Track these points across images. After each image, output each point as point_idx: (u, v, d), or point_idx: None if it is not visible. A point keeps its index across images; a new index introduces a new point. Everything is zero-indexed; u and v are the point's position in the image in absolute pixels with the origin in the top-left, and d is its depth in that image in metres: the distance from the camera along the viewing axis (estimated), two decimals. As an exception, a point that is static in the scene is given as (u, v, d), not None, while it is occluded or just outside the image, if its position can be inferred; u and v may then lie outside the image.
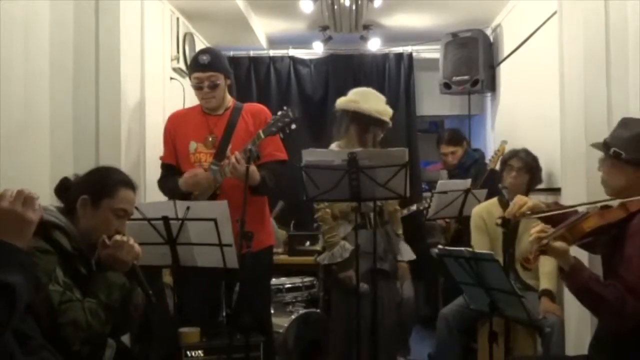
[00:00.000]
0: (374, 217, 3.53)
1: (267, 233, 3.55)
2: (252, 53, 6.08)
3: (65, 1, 3.33)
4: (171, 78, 4.56)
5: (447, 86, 5.62)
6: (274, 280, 4.21)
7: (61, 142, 3.29)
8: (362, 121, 3.64)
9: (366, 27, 5.57)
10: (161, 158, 3.59)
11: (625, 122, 2.43)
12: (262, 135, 3.20)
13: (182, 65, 4.67)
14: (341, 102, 3.74)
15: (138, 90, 3.82)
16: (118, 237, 2.28)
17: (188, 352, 3.09)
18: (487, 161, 4.65)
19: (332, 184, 3.16)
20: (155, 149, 3.76)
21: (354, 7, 5.00)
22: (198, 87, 3.43)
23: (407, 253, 3.84)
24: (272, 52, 6.14)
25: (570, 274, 2.27)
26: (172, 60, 4.59)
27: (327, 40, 5.74)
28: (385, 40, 5.95)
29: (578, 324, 3.19)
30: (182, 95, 4.60)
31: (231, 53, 5.87)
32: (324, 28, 5.57)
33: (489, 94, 5.87)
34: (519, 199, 2.56)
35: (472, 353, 3.87)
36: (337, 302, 3.83)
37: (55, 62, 3.26)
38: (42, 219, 1.80)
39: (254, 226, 2.92)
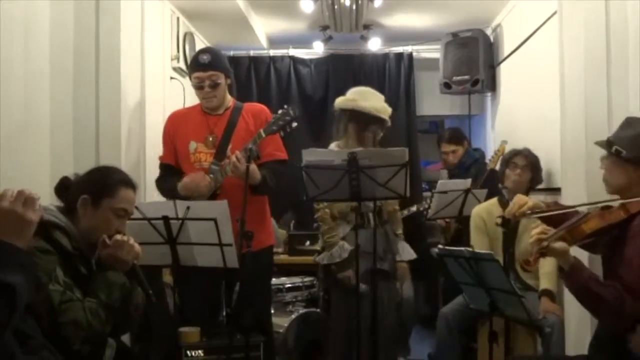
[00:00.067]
0: (374, 217, 3.53)
1: (267, 233, 3.55)
2: (252, 53, 6.08)
3: (65, 1, 3.33)
4: (171, 78, 4.56)
5: (447, 86, 5.62)
6: (274, 280, 4.20)
7: (61, 142, 3.29)
8: (360, 120, 3.63)
9: (366, 26, 5.57)
10: (160, 158, 3.59)
11: (630, 122, 2.44)
12: (263, 134, 3.19)
13: (182, 65, 4.67)
14: (339, 101, 3.74)
15: (138, 90, 3.82)
16: (118, 236, 2.28)
17: (188, 352, 3.10)
18: (487, 161, 4.65)
19: (332, 183, 3.16)
20: (155, 148, 3.76)
21: (354, 7, 5.00)
22: (199, 87, 3.43)
23: (407, 253, 3.84)
24: (272, 52, 6.14)
25: (570, 273, 2.28)
26: (172, 59, 4.59)
27: (327, 40, 5.74)
28: (386, 40, 5.95)
29: (578, 324, 3.19)
30: (182, 94, 4.60)
31: (231, 53, 5.86)
32: (324, 28, 5.57)
33: (489, 94, 5.86)
34: (519, 198, 2.56)
35: (472, 353, 3.87)
36: (336, 302, 3.82)
37: (55, 62, 3.26)
38: (42, 219, 1.80)
39: (254, 226, 2.92)
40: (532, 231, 2.37)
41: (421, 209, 4.68)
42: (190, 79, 3.49)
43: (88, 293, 2.19)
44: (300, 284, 4.47)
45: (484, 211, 3.85)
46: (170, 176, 3.50)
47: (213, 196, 3.29)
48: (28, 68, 3.01)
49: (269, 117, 3.41)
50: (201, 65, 3.40)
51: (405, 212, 4.69)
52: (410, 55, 6.11)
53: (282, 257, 4.91)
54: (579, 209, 2.50)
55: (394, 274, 3.78)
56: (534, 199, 2.58)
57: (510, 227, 3.08)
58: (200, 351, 3.11)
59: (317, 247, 4.23)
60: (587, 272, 2.29)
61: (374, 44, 5.89)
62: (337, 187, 3.17)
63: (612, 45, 3.06)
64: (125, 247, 2.27)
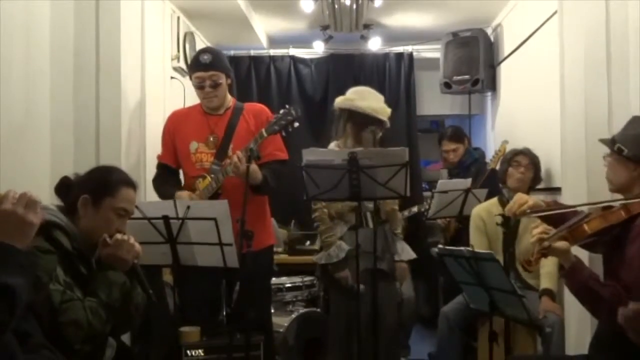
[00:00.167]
0: (373, 216, 3.53)
1: (267, 232, 3.55)
2: (252, 52, 6.08)
3: (65, 1, 3.33)
4: (171, 77, 4.56)
5: (447, 86, 5.62)
6: (274, 280, 4.21)
7: (61, 142, 3.29)
8: (358, 120, 3.62)
9: (367, 26, 5.57)
10: (158, 157, 3.59)
11: (635, 121, 2.45)
12: (265, 134, 3.19)
13: (182, 65, 4.67)
14: (338, 100, 3.73)
15: (138, 90, 3.82)
16: (119, 235, 2.28)
17: (188, 351, 3.10)
18: (487, 161, 4.65)
19: (332, 183, 3.16)
20: (155, 148, 3.76)
21: (354, 7, 5.00)
22: (199, 87, 3.43)
23: (406, 252, 3.83)
24: (273, 52, 6.14)
25: (570, 272, 2.28)
26: (172, 59, 4.59)
27: (327, 39, 5.74)
28: (386, 39, 5.95)
29: (578, 324, 3.19)
30: (183, 94, 4.60)
31: (231, 52, 5.87)
32: (325, 27, 5.57)
33: (489, 94, 5.87)
34: (519, 197, 2.57)
35: (473, 352, 3.87)
36: (334, 302, 3.83)
37: (55, 61, 3.26)
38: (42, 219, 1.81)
39: (254, 225, 2.92)
40: (533, 231, 2.38)
41: (422, 210, 4.68)
42: (191, 78, 3.49)
43: (88, 292, 2.19)
44: (301, 284, 4.47)
45: (484, 211, 3.85)
46: (167, 176, 3.50)
47: (214, 196, 3.29)
48: (28, 68, 3.01)
49: (269, 117, 3.41)
50: (202, 65, 3.40)
51: (406, 213, 4.70)
52: (410, 54, 6.11)
53: (282, 257, 4.91)
54: (579, 208, 2.50)
55: (393, 274, 3.78)
56: (534, 198, 2.58)
57: (510, 226, 3.08)
58: (200, 351, 3.11)
59: (317, 247, 4.23)
60: (587, 271, 2.29)
61: (374, 44, 5.89)
62: (338, 187, 3.17)
63: (612, 45, 3.06)
64: (125, 246, 2.28)
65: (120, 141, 3.51)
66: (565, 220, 2.39)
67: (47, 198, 2.45)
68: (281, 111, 3.22)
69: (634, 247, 2.25)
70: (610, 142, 2.43)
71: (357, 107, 3.61)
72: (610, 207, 2.39)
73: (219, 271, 2.92)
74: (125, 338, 2.81)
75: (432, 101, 6.28)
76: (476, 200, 4.11)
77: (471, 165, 4.80)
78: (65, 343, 2.06)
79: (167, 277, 3.62)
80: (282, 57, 6.14)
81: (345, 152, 3.19)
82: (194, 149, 3.44)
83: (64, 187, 2.36)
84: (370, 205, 3.61)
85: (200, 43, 5.22)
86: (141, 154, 3.82)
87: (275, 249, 4.02)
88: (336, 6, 5.01)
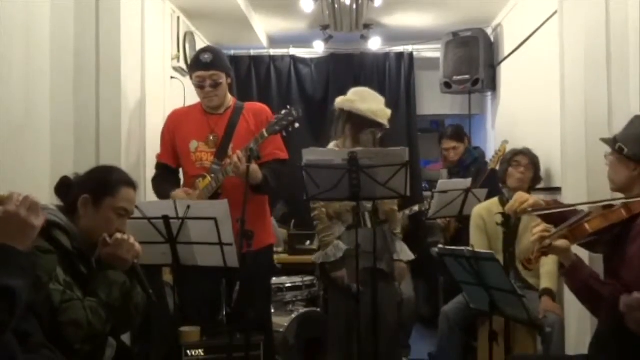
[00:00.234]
0: (371, 217, 3.53)
1: (267, 232, 3.55)
2: (252, 52, 6.08)
3: (65, 1, 3.33)
4: (172, 77, 4.56)
5: (447, 85, 5.62)
6: (274, 280, 4.21)
7: (62, 142, 3.29)
8: (357, 122, 3.62)
9: (367, 26, 5.57)
10: (157, 157, 3.59)
11: (637, 120, 2.45)
12: (266, 134, 3.19)
13: (182, 64, 4.67)
14: (339, 101, 3.73)
15: (138, 90, 3.82)
16: (119, 235, 2.28)
17: (188, 351, 3.09)
18: (487, 160, 4.65)
19: (332, 183, 3.16)
20: (155, 148, 3.76)
21: (354, 6, 5.00)
22: (200, 86, 3.43)
23: (404, 253, 3.83)
24: (273, 51, 6.14)
25: (570, 271, 2.29)
26: (172, 59, 4.59)
27: (327, 39, 5.74)
28: (386, 39, 5.95)
29: (578, 323, 3.19)
30: (183, 94, 4.60)
31: (232, 52, 5.87)
32: (325, 27, 5.57)
33: (489, 94, 5.87)
34: (520, 195, 2.57)
35: (473, 352, 3.87)
36: (332, 302, 3.83)
37: (55, 61, 3.26)
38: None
39: (254, 225, 2.92)
40: (534, 229, 2.38)
41: (423, 209, 4.69)
42: (192, 78, 3.49)
43: (88, 292, 2.19)
44: (301, 284, 4.47)
45: (485, 210, 3.85)
46: (166, 176, 3.50)
47: (214, 196, 3.29)
48: (28, 68, 3.01)
49: (269, 116, 3.41)
50: (203, 65, 3.40)
51: (407, 212, 4.70)
52: (410, 54, 6.11)
53: (282, 257, 4.91)
54: (579, 207, 2.51)
55: (392, 274, 3.78)
56: (534, 197, 2.59)
57: (510, 226, 3.08)
58: (200, 350, 3.11)
59: (316, 246, 4.23)
60: (588, 270, 2.30)
61: (375, 44, 5.89)
62: (338, 187, 3.17)
63: (612, 45, 3.07)
64: (125, 245, 2.28)
65: (120, 141, 3.51)
66: (565, 219, 2.39)
67: (47, 198, 2.45)
68: (282, 112, 3.22)
69: (634, 247, 2.25)
70: (612, 142, 2.44)
71: (357, 110, 3.61)
72: (611, 206, 2.39)
73: (219, 271, 2.92)
74: (125, 338, 2.81)
75: (432, 101, 6.28)
76: (476, 200, 4.11)
77: (471, 164, 4.80)
78: (65, 343, 2.06)
79: (167, 277, 3.63)
80: (282, 57, 6.15)
81: (345, 152, 3.19)
82: (194, 148, 3.44)
83: (64, 187, 2.36)
84: (368, 205, 3.62)
85: (200, 43, 5.22)
86: (141, 153, 3.82)
87: (275, 249, 4.02)
88: (336, 6, 5.01)
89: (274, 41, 6.16)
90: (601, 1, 3.08)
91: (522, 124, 4.76)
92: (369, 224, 3.66)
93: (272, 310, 3.91)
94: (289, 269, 4.68)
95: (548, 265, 3.46)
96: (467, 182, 4.21)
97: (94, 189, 2.30)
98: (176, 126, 3.52)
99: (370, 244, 3.44)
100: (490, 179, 4.31)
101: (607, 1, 3.07)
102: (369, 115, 3.58)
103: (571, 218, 2.38)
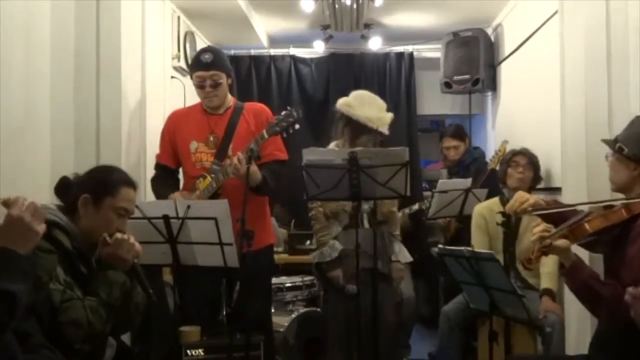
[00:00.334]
0: (369, 217, 3.53)
1: (267, 232, 3.55)
2: (252, 52, 6.08)
3: (66, 1, 3.32)
4: (172, 77, 4.56)
5: (447, 85, 5.62)
6: (274, 280, 4.20)
7: (62, 142, 3.29)
8: (355, 126, 3.62)
9: (367, 26, 5.57)
10: (157, 157, 3.59)
11: (638, 120, 2.45)
12: (266, 135, 3.19)
13: (182, 64, 4.67)
14: (339, 103, 3.73)
15: (139, 89, 3.82)
16: (119, 235, 2.28)
17: (188, 351, 3.09)
18: (487, 160, 4.65)
19: (332, 183, 3.16)
20: (155, 148, 3.76)
21: (354, 6, 5.00)
22: (200, 86, 3.43)
23: (403, 255, 3.83)
24: (273, 51, 6.14)
25: (571, 271, 2.29)
26: (173, 59, 4.59)
27: (328, 39, 5.75)
28: (386, 39, 5.95)
29: (578, 323, 3.19)
30: (183, 94, 4.61)
31: (232, 52, 5.88)
32: (325, 27, 5.58)
33: (489, 94, 5.87)
34: (520, 195, 2.58)
35: (473, 352, 3.87)
36: (330, 302, 3.84)
37: (56, 62, 3.26)
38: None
39: (254, 225, 2.92)
40: (534, 229, 2.38)
41: (423, 207, 4.69)
42: (192, 78, 3.49)
43: (88, 292, 2.19)
44: (301, 283, 4.47)
45: (486, 209, 3.85)
46: (165, 177, 3.50)
47: (214, 196, 3.29)
48: (28, 68, 3.01)
49: (269, 116, 3.41)
50: (203, 65, 3.39)
51: (407, 211, 4.70)
52: (411, 54, 6.11)
53: (282, 257, 4.91)
54: (580, 207, 2.51)
55: (390, 275, 3.77)
56: (534, 197, 2.59)
57: (510, 226, 3.08)
58: (200, 350, 3.10)
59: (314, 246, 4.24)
60: (588, 270, 2.30)
61: (375, 43, 5.88)
62: (338, 187, 3.17)
63: (612, 45, 3.07)
64: (125, 245, 2.28)
65: (121, 141, 3.51)
66: (565, 219, 2.39)
67: (47, 199, 2.45)
68: (282, 113, 3.21)
69: (634, 247, 2.25)
70: (612, 142, 2.44)
71: (354, 116, 3.61)
72: (612, 206, 2.39)
73: (219, 271, 2.92)
74: (125, 338, 2.81)
75: (433, 101, 6.28)
76: (476, 200, 4.11)
77: (471, 164, 4.80)
78: (65, 342, 2.06)
79: (167, 276, 3.63)
80: (283, 57, 6.15)
81: (345, 152, 3.19)
82: (194, 149, 3.43)
83: (64, 187, 2.36)
84: (365, 206, 3.62)
85: (201, 43, 5.22)
86: (141, 153, 3.82)
87: (275, 249, 4.02)
88: (336, 6, 5.01)
89: (274, 41, 6.17)
90: (601, 1, 3.08)
91: (522, 124, 4.76)
92: (366, 225, 3.66)
93: (272, 310, 3.91)
94: (289, 269, 4.68)
95: (548, 265, 3.46)
96: (467, 182, 4.21)
97: (94, 188, 2.30)
98: (176, 127, 3.52)
99: (367, 245, 3.44)
100: (490, 179, 4.31)
101: (607, 1, 3.07)
102: (365, 123, 3.58)
103: (571, 218, 2.38)
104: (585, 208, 2.48)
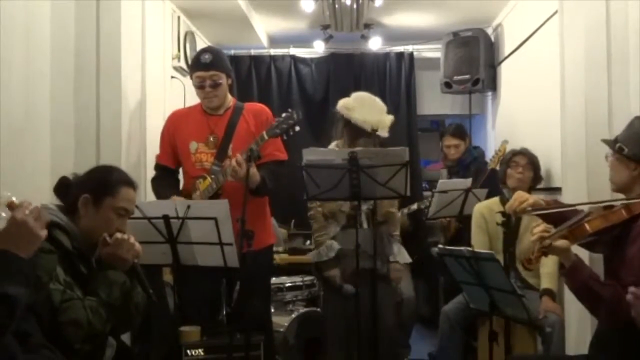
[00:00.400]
0: (368, 217, 3.53)
1: (267, 232, 3.55)
2: (252, 52, 6.08)
3: (66, 1, 3.32)
4: (172, 77, 4.56)
5: (448, 85, 5.62)
6: (274, 280, 4.21)
7: (62, 143, 3.29)
8: (353, 128, 3.63)
9: (367, 26, 5.57)
10: (157, 158, 3.58)
11: (638, 120, 2.45)
12: (266, 137, 3.18)
13: (182, 64, 4.67)
14: (339, 104, 3.73)
15: (139, 90, 3.82)
16: (119, 234, 2.28)
17: (188, 351, 3.09)
18: (487, 160, 4.65)
19: (332, 183, 3.16)
20: (156, 148, 3.76)
21: (355, 6, 5.00)
22: (200, 86, 3.43)
23: (402, 255, 3.83)
24: (273, 51, 6.14)
25: (571, 271, 2.29)
26: (173, 59, 4.59)
27: (328, 39, 5.74)
28: (386, 39, 5.95)
29: (578, 323, 3.19)
30: (183, 94, 4.61)
31: (232, 52, 5.87)
32: (325, 27, 5.58)
33: (489, 94, 5.87)
34: (520, 195, 2.58)
35: (473, 351, 3.87)
36: (329, 302, 3.84)
37: (56, 62, 3.25)
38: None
39: (254, 225, 2.92)
40: (534, 229, 2.38)
41: (422, 207, 4.69)
42: (192, 78, 3.49)
43: (88, 292, 2.19)
44: (301, 283, 4.47)
45: (486, 209, 3.85)
46: (164, 178, 3.50)
47: (214, 197, 3.29)
48: (28, 69, 3.01)
49: (269, 116, 3.41)
50: (203, 65, 3.39)
51: (406, 211, 4.70)
52: (411, 54, 6.11)
53: (282, 257, 4.91)
54: (580, 207, 2.51)
55: (387, 275, 3.77)
56: (534, 196, 2.59)
57: (510, 226, 3.08)
58: (200, 350, 3.11)
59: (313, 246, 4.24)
60: (587, 270, 2.30)
61: (375, 43, 5.88)
62: (338, 187, 3.17)
63: (612, 45, 3.07)
64: (125, 245, 2.28)
65: (121, 141, 3.51)
66: (565, 219, 2.39)
67: (47, 199, 2.45)
68: (283, 114, 3.20)
69: (634, 247, 2.25)
70: (612, 142, 2.44)
71: (352, 118, 3.61)
72: (612, 206, 2.39)
73: (219, 271, 2.92)
74: (125, 338, 2.81)
75: (433, 101, 6.28)
76: (476, 200, 4.11)
77: (470, 164, 4.80)
78: (65, 342, 2.06)
79: (167, 276, 3.63)
80: (283, 57, 6.15)
81: (345, 152, 3.19)
82: (194, 149, 3.43)
83: (63, 187, 2.36)
84: (364, 206, 3.62)
85: (201, 43, 5.22)
86: (141, 154, 3.82)
87: (275, 249, 4.02)
88: (337, 6, 5.01)
89: (274, 41, 6.16)
90: (601, 1, 3.08)
91: (522, 124, 4.76)
92: (365, 225, 3.66)
93: (272, 310, 3.91)
94: (289, 269, 4.68)
95: (548, 265, 3.46)
96: (467, 182, 4.21)
97: (94, 188, 2.30)
98: (176, 127, 3.52)
99: (365, 245, 3.44)
100: (490, 178, 4.31)
101: (607, 1, 3.07)
102: (363, 127, 3.58)
103: (571, 218, 2.38)
104: (585, 208, 2.48)
